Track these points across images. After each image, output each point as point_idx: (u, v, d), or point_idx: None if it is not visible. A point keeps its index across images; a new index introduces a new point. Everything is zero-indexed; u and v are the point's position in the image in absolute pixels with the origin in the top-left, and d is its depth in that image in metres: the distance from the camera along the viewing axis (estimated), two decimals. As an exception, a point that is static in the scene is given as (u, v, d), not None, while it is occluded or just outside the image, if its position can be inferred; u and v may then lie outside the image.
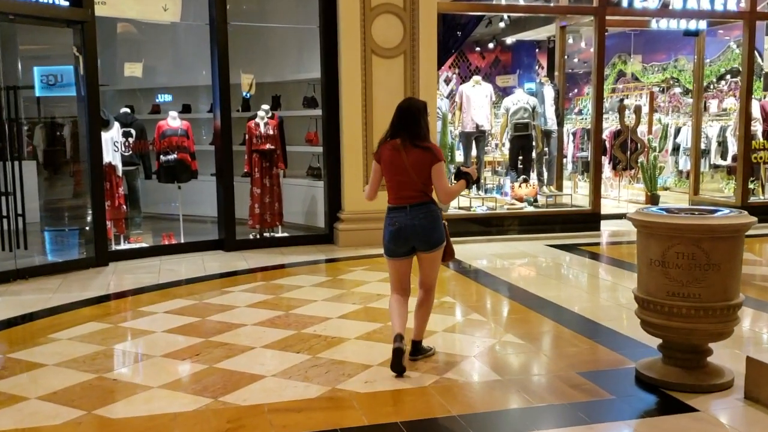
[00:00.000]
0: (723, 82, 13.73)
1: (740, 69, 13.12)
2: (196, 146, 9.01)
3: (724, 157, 12.48)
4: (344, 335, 5.02)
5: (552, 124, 10.24)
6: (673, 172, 13.81)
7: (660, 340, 4.07)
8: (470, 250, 8.35)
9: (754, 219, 3.85)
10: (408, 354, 4.26)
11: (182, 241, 8.65)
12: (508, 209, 9.52)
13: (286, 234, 9.03)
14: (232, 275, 7.17)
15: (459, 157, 10.38)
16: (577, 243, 8.77)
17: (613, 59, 16.05)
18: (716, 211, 4.04)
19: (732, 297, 3.86)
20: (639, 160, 11.76)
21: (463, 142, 10.22)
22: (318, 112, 9.24)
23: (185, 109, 10.66)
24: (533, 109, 9.93)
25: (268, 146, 8.72)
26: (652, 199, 12.05)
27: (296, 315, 5.58)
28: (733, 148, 12.24)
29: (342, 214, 8.69)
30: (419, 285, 4.30)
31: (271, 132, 8.74)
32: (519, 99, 10.01)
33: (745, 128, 10.06)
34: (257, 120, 8.75)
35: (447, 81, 17.88)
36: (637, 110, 11.82)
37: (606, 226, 9.72)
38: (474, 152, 10.32)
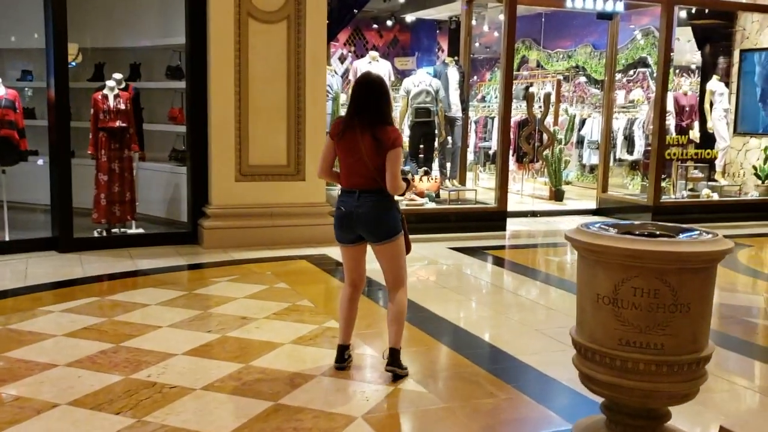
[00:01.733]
0: (630, 73, 13.30)
1: (649, 59, 12.82)
2: (32, 121, 7.46)
3: (630, 151, 12.05)
4: (188, 383, 3.81)
5: (456, 110, 9.32)
6: (576, 166, 13.30)
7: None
8: (361, 254, 7.30)
9: (731, 244, 2.95)
10: (386, 362, 3.96)
11: (7, 238, 7.11)
12: (407, 206, 8.52)
13: (140, 231, 7.65)
14: (59, 287, 5.77)
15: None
16: (483, 246, 7.89)
17: (515, 44, 15.40)
18: (680, 231, 3.14)
19: (702, 347, 2.95)
20: (545, 153, 11.08)
21: (356, 127, 9.12)
22: (184, 84, 7.88)
23: (24, 76, 9.01)
24: (436, 92, 8.97)
25: (118, 123, 7.29)
26: (557, 194, 11.44)
27: (129, 349, 4.32)
28: (640, 142, 11.80)
29: (209, 208, 7.42)
30: (387, 286, 4.02)
31: (122, 106, 7.32)
32: (421, 80, 9.02)
33: (660, 122, 9.51)
34: (105, 91, 7.30)
35: (342, 59, 16.79)
36: (547, 99, 11.13)
37: (512, 225, 8.92)
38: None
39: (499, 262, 7.28)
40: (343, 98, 9.33)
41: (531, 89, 11.74)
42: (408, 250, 3.98)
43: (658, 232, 3.15)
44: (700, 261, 2.85)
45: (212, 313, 5.15)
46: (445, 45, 17.33)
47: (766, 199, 10.10)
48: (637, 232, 3.09)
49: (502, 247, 7.93)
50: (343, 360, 4.06)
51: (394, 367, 3.92)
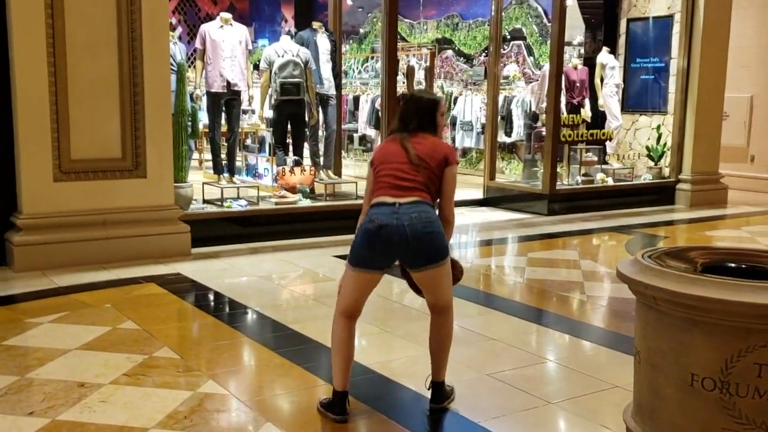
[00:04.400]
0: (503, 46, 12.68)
1: (524, 30, 12.26)
2: None
3: (508, 133, 11.44)
4: None
5: (329, 86, 8.11)
6: (450, 149, 12.56)
7: None
8: (225, 271, 5.98)
9: None
10: (430, 402, 3.39)
11: None
12: (276, 203, 7.24)
13: None
14: None
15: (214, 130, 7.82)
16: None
17: (374, 14, 14.41)
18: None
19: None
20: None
21: (209, 107, 7.68)
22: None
23: None
24: (306, 63, 7.71)
25: None
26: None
27: None
28: (519, 122, 11.22)
29: (19, 218, 5.76)
30: (430, 308, 3.37)
31: None
32: (286, 49, 7.72)
33: (555, 99, 8.84)
34: None
35: (172, 28, 15.06)
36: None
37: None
38: (225, 122, 7.85)
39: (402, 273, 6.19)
40: (191, 74, 7.85)
41: (412, 63, 10.76)
42: (459, 277, 3.41)
43: (753, 257, 2.18)
44: None
45: (33, 379, 3.67)
46: (289, 15, 16.20)
47: (662, 182, 9.79)
48: (732, 265, 2.11)
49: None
50: (346, 411, 3.28)
51: (439, 404, 3.38)
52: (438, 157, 3.23)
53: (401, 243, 3.11)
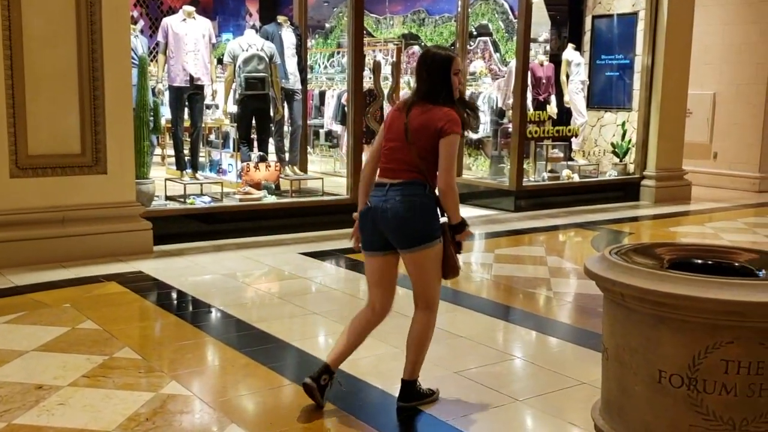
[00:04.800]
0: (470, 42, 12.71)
1: (490, 27, 12.30)
2: None
3: (475, 129, 11.46)
4: None
5: (295, 81, 8.06)
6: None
7: None
8: (188, 268, 5.90)
9: None
10: (397, 399, 3.39)
11: None
12: (241, 200, 7.17)
13: None
14: None
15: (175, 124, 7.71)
16: (342, 248, 6.76)
17: (339, 9, 14.35)
18: (724, 254, 2.21)
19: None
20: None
21: (172, 102, 7.57)
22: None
23: None
24: (271, 58, 7.64)
25: None
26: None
27: None
28: (485, 118, 11.25)
29: (-28, 216, 5.63)
30: (414, 302, 3.34)
31: None
32: (251, 43, 7.64)
33: (521, 95, 8.89)
34: None
35: (134, 21, 14.82)
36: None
37: (367, 220, 7.86)
38: (188, 117, 7.75)
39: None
40: (153, 68, 7.73)
41: (378, 58, 10.73)
42: (455, 271, 3.27)
43: (714, 253, 2.20)
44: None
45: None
46: (254, 9, 16.08)
47: (627, 178, 9.91)
48: (698, 261, 2.12)
49: (364, 249, 6.83)
50: (318, 381, 3.26)
51: (407, 402, 3.35)
52: (430, 130, 3.14)
53: (385, 225, 3.15)
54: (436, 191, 3.20)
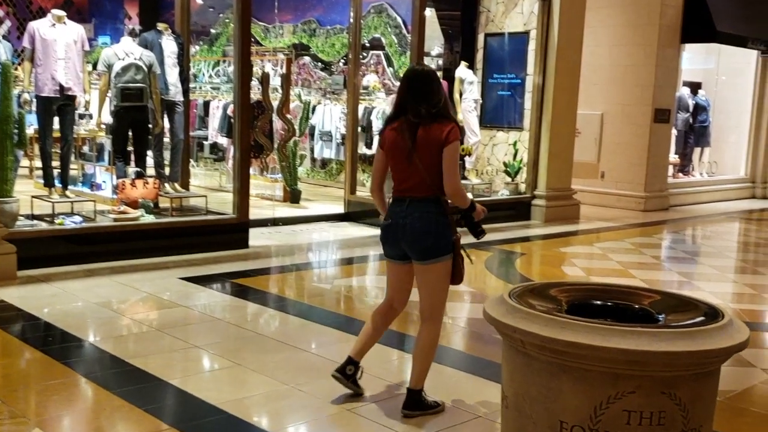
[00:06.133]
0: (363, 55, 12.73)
1: (383, 40, 12.36)
2: None
3: (369, 144, 11.49)
4: None
5: (176, 92, 7.77)
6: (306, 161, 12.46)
7: None
8: (57, 296, 5.55)
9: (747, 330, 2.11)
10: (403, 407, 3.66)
11: None
12: (115, 220, 6.84)
13: None
14: None
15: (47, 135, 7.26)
16: (226, 272, 6.56)
17: (226, 15, 14.07)
18: (644, 295, 2.23)
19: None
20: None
21: (40, 113, 7.14)
22: None
23: None
24: (150, 68, 7.35)
25: None
26: (293, 195, 10.47)
27: None
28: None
29: None
30: (420, 313, 3.74)
31: None
32: (128, 52, 7.32)
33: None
34: None
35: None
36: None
37: (255, 239, 7.67)
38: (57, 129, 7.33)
39: (256, 297, 5.99)
40: (16, 74, 7.26)
41: (267, 69, 10.55)
42: (460, 279, 3.67)
43: (614, 293, 2.21)
44: (721, 358, 1.97)
45: None
46: (133, 12, 15.55)
47: (519, 197, 10.14)
48: (597, 303, 2.12)
49: (252, 273, 6.64)
50: (344, 372, 3.77)
51: (410, 411, 3.62)
52: (434, 145, 3.47)
53: (404, 238, 3.56)
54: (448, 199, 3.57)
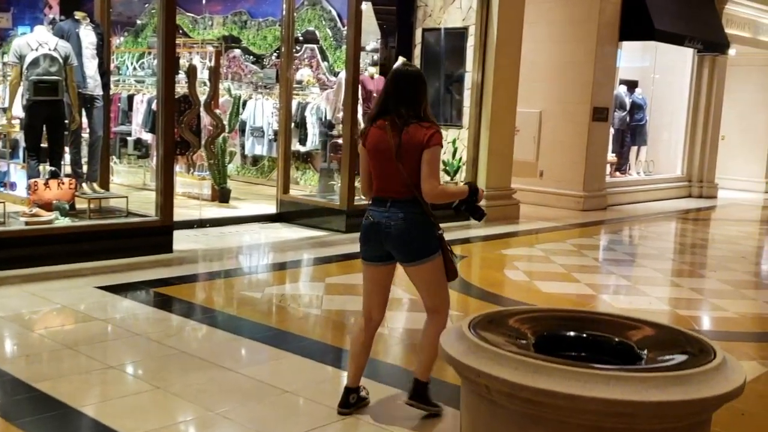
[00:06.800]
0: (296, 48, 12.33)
1: (317, 33, 11.99)
2: None
3: (303, 141, 11.13)
4: None
5: (95, 86, 7.26)
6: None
7: None
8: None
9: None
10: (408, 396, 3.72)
11: None
12: (27, 223, 6.32)
13: None
14: None
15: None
16: (147, 280, 6.12)
17: (152, 5, 13.47)
18: (622, 325, 1.96)
19: None
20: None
21: (-59, 107, 6.57)
22: None
23: None
24: (66, 59, 6.83)
25: None
26: (222, 194, 10.05)
27: None
28: (314, 131, 10.95)
29: None
30: (424, 307, 3.74)
31: None
32: (42, 42, 6.78)
33: (352, 110, 8.63)
34: None
35: None
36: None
37: (179, 243, 7.24)
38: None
39: (179, 308, 5.57)
40: None
41: (194, 61, 10.07)
42: (454, 275, 3.69)
43: (592, 326, 1.93)
44: (718, 405, 1.71)
45: None
46: (54, 1, 14.83)
47: (458, 198, 9.91)
48: (570, 334, 1.84)
49: (176, 281, 6.21)
50: (348, 404, 3.71)
51: (414, 401, 3.68)
52: (416, 149, 3.45)
53: (388, 240, 3.56)
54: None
